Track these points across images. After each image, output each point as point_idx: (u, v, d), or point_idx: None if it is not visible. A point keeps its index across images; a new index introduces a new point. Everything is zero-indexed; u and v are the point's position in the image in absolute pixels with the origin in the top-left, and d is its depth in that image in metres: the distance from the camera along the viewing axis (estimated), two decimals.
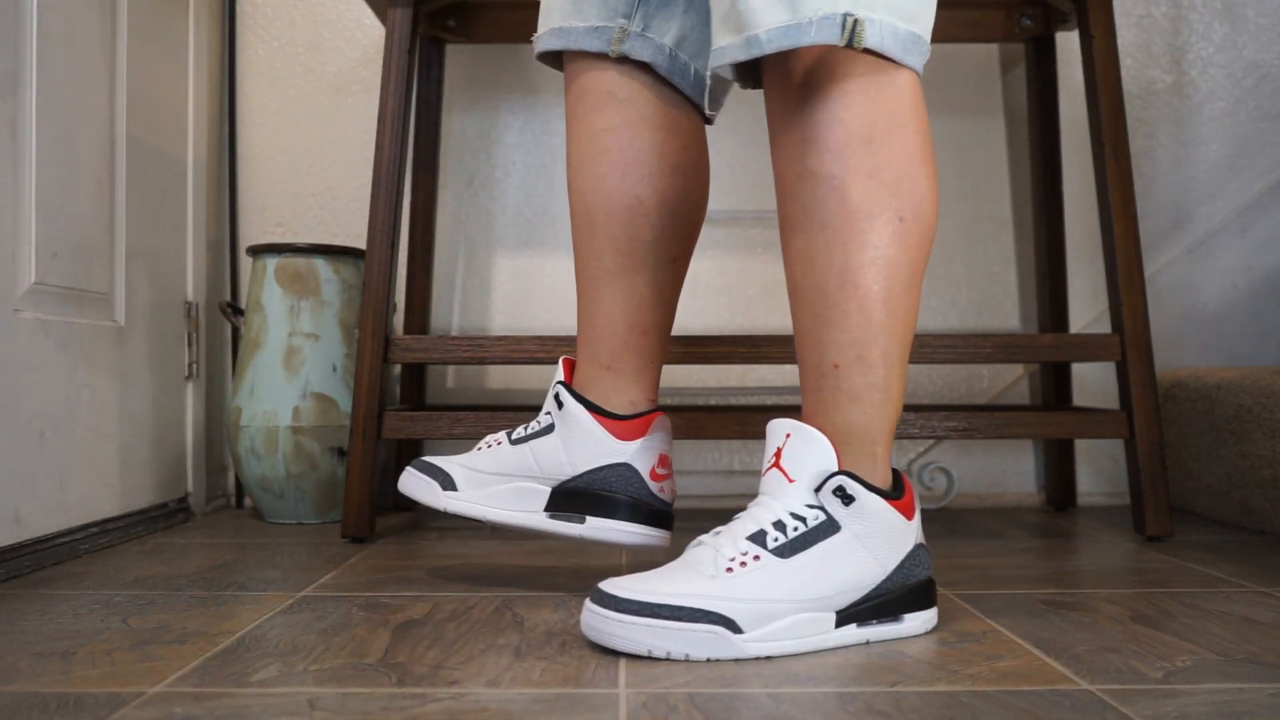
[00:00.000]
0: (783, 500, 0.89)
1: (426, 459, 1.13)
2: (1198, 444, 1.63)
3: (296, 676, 0.80)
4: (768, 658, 0.85)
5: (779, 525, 0.88)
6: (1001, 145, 1.83)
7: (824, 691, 0.76)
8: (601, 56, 1.05)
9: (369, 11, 1.81)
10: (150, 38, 1.53)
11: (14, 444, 1.18)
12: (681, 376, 1.80)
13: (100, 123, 1.40)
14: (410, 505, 1.72)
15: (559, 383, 1.07)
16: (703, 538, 0.91)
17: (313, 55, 1.82)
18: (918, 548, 0.92)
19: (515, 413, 1.44)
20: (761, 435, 1.41)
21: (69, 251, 1.31)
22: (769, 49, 0.85)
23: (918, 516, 0.93)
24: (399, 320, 1.75)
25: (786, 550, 0.87)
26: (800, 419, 0.92)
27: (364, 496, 1.39)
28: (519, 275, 1.81)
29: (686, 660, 0.83)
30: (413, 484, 1.12)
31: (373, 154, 1.64)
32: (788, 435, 0.90)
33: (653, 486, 1.06)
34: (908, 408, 1.58)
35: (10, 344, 1.18)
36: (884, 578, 0.89)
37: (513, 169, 1.82)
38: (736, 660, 0.84)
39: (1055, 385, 1.72)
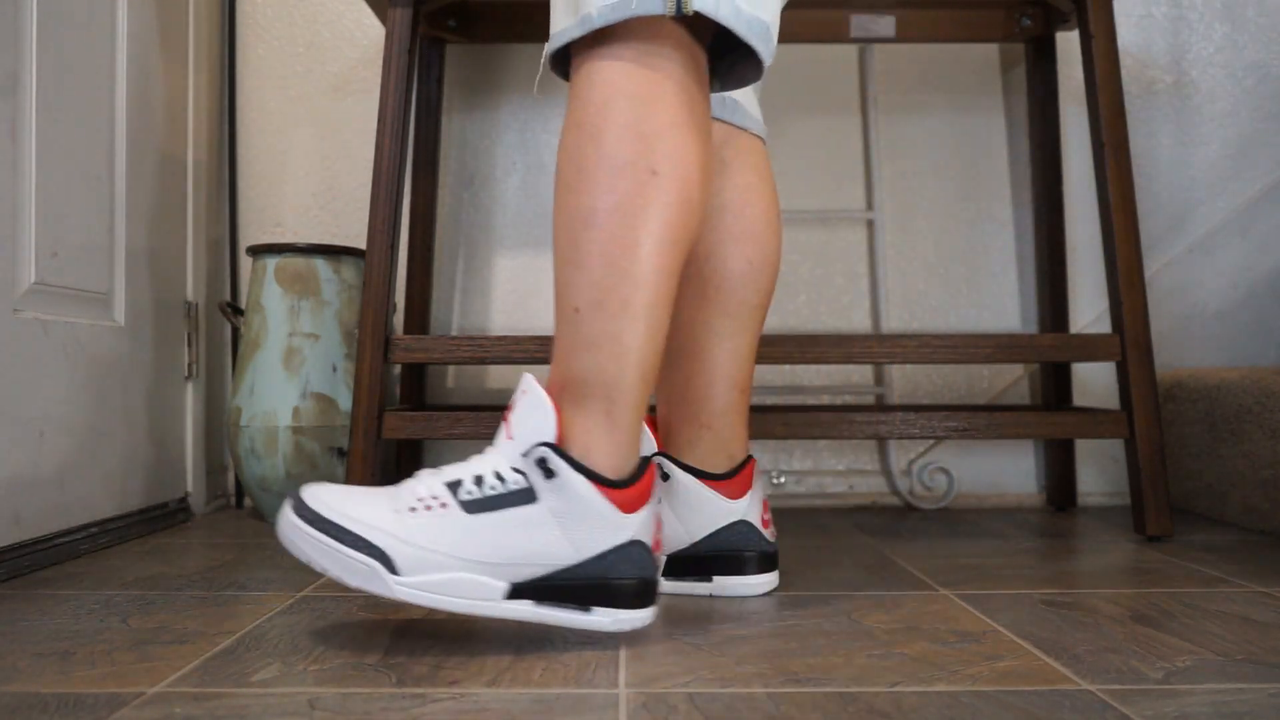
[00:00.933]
0: (495, 456, 0.88)
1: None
2: (1198, 444, 1.63)
3: (296, 676, 0.80)
4: (418, 606, 0.86)
5: (478, 480, 0.87)
6: (1001, 145, 1.83)
7: (824, 691, 0.76)
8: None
9: (369, 11, 1.81)
10: (150, 38, 1.53)
11: (14, 444, 1.18)
12: None
13: (100, 123, 1.40)
14: None
15: (664, 455, 1.04)
16: (423, 470, 0.91)
17: (313, 55, 1.82)
18: (634, 545, 0.87)
19: None
20: (764, 436, 1.41)
21: (69, 251, 1.31)
22: (599, 23, 0.87)
23: (644, 513, 0.88)
24: (399, 320, 1.75)
25: (474, 507, 0.86)
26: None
27: None
28: (519, 275, 1.81)
29: (341, 584, 0.86)
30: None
31: (373, 154, 1.64)
32: (523, 391, 0.88)
33: (765, 534, 1.07)
34: (908, 408, 1.58)
35: (10, 344, 1.18)
36: (576, 562, 0.86)
37: (513, 169, 1.82)
38: (395, 600, 0.85)
39: (1055, 385, 1.72)
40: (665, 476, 1.04)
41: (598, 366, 0.87)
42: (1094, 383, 1.80)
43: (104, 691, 0.76)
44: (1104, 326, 1.78)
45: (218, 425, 1.74)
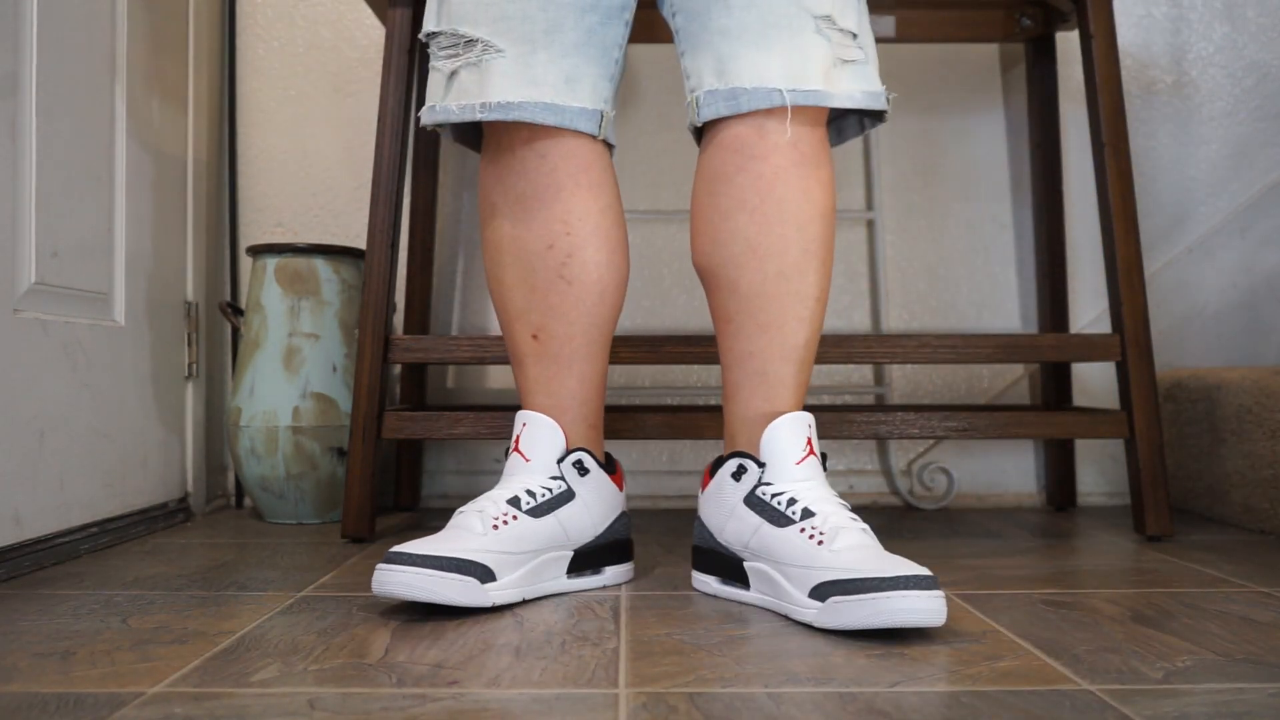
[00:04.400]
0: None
1: (425, 551, 0.98)
2: (1198, 444, 1.63)
3: (296, 676, 0.80)
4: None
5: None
6: (1001, 145, 1.83)
7: (824, 691, 0.76)
8: (586, 137, 1.10)
9: (369, 11, 1.81)
10: (150, 37, 1.53)
11: (14, 444, 1.18)
12: (681, 376, 1.80)
13: (100, 123, 1.40)
14: (411, 505, 1.72)
15: (584, 450, 1.10)
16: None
17: (313, 55, 1.82)
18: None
19: (515, 413, 1.43)
20: None
21: (69, 251, 1.31)
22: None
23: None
24: (399, 320, 1.75)
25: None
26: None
27: (364, 496, 1.39)
28: None
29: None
30: (436, 586, 0.96)
31: (373, 154, 1.64)
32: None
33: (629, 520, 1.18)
34: (908, 408, 1.58)
35: (10, 344, 1.18)
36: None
37: None
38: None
39: (1055, 385, 1.72)
40: (584, 471, 1.10)
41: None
42: (1094, 383, 1.80)
43: (104, 691, 0.76)
44: (1104, 326, 1.78)
45: (218, 425, 1.74)
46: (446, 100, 1.08)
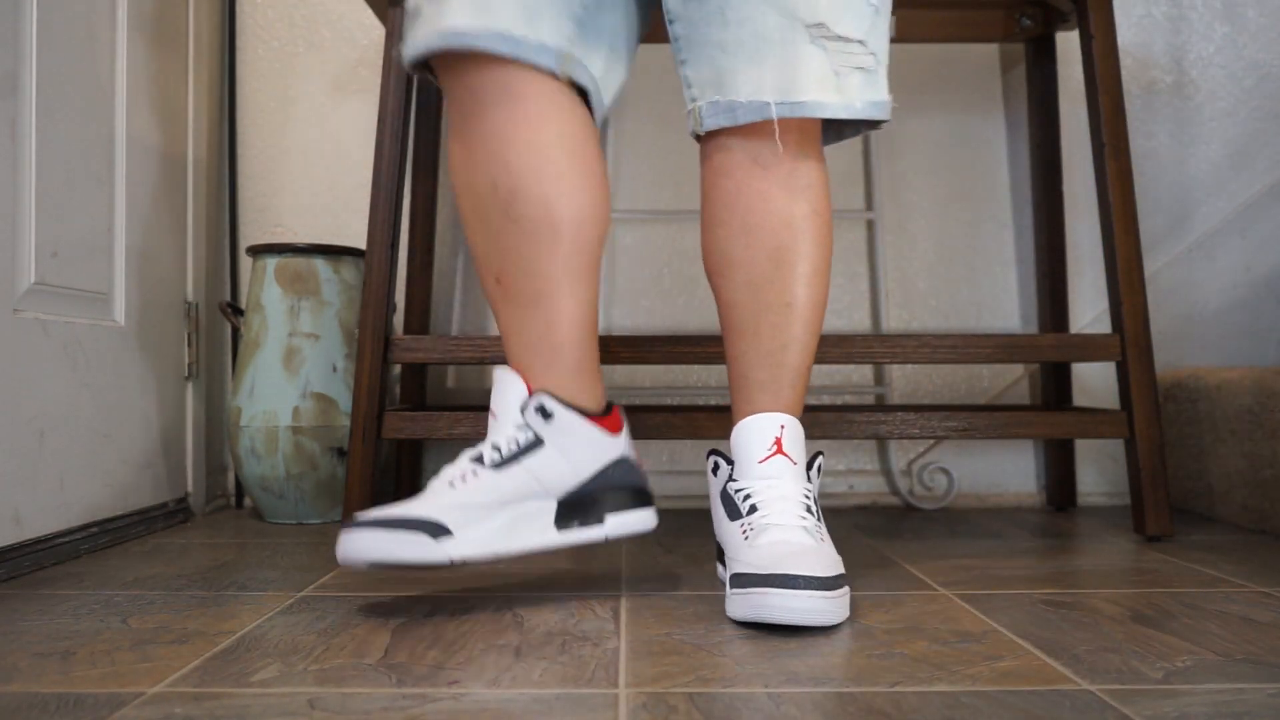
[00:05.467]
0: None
1: (378, 515, 0.98)
2: (1198, 444, 1.63)
3: (296, 676, 0.80)
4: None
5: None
6: (1001, 145, 1.83)
7: (824, 691, 0.76)
8: (545, 74, 1.04)
9: (369, 11, 1.81)
10: (150, 38, 1.53)
11: (14, 444, 1.18)
12: (681, 376, 1.80)
13: (100, 123, 1.40)
14: None
15: (544, 393, 1.04)
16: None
17: (313, 55, 1.82)
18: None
19: None
20: None
21: (69, 251, 1.31)
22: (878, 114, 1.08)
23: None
24: (399, 320, 1.75)
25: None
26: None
27: (364, 496, 1.39)
28: None
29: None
30: (387, 545, 0.96)
31: (373, 154, 1.64)
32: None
33: (641, 470, 1.11)
34: (908, 408, 1.58)
35: (10, 344, 1.18)
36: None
37: None
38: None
39: (1055, 385, 1.72)
40: (548, 414, 1.04)
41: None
42: (1094, 383, 1.80)
43: (104, 691, 0.76)
44: (1104, 326, 1.78)
45: (218, 425, 1.74)
46: (415, 36, 1.04)
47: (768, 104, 1.03)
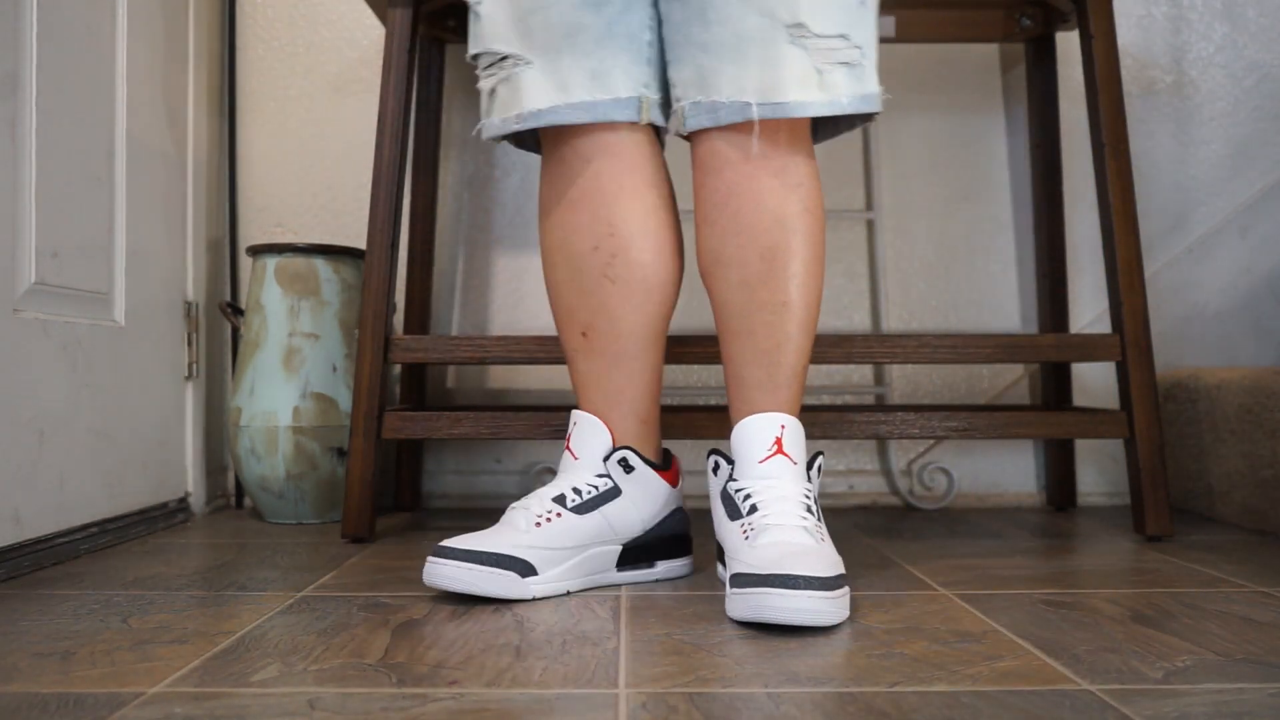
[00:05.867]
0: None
1: (471, 546, 1.04)
2: (1198, 444, 1.63)
3: (296, 676, 0.80)
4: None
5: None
6: (1001, 145, 1.83)
7: (824, 691, 0.76)
8: (627, 126, 1.11)
9: (369, 11, 1.81)
10: (150, 38, 1.53)
11: (14, 444, 1.18)
12: (680, 376, 1.80)
13: (100, 123, 1.40)
14: (411, 505, 1.72)
15: (629, 449, 1.12)
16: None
17: (313, 55, 1.82)
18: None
19: (515, 413, 1.44)
20: None
21: (69, 251, 1.31)
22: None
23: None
24: (399, 320, 1.75)
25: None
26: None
27: (364, 496, 1.39)
28: (518, 275, 1.81)
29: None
30: (478, 580, 1.03)
31: (373, 154, 1.64)
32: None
33: (688, 518, 1.19)
34: (908, 408, 1.58)
35: (10, 344, 1.18)
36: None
37: (513, 169, 1.82)
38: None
39: (1055, 385, 1.72)
40: (630, 468, 1.12)
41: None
42: (1094, 383, 1.80)
43: (104, 691, 0.76)
44: (1104, 326, 1.78)
45: (218, 425, 1.74)
46: (491, 116, 1.14)
47: (749, 104, 1.04)
